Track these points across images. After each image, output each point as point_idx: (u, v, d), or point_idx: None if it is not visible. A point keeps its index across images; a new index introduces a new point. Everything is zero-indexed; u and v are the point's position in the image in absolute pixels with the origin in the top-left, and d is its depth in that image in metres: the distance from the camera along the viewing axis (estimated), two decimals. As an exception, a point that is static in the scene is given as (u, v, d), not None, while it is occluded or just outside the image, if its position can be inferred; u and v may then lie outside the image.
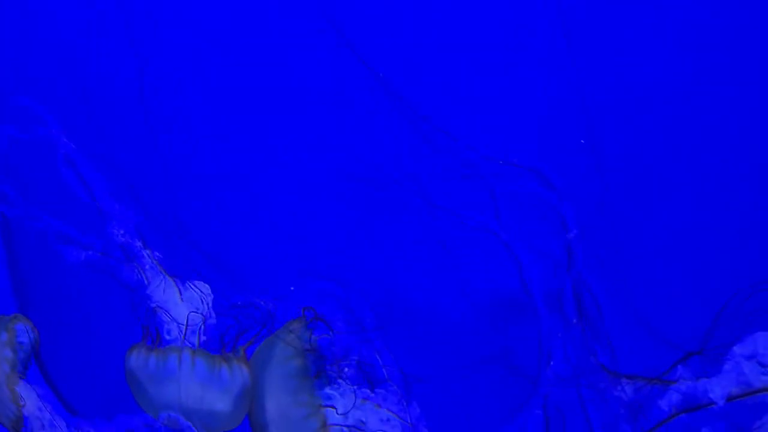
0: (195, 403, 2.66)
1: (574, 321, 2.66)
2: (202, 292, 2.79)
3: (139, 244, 2.85)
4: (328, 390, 2.64)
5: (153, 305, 2.78)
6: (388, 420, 2.63)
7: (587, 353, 2.62)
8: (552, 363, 2.67)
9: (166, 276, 2.79)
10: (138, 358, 2.72)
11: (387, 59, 2.84)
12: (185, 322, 2.71)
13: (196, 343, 2.71)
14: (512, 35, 2.77)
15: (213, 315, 2.78)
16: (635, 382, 2.53)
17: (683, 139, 2.70)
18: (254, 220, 3.13)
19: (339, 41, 2.85)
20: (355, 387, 2.67)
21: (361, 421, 2.63)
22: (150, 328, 2.75)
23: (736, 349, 2.32)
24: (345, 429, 2.59)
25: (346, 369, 2.71)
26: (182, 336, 2.71)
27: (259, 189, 3.10)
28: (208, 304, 2.77)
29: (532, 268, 2.71)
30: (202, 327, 2.73)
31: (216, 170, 3.11)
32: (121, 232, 2.86)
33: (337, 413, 2.60)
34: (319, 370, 2.66)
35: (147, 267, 2.83)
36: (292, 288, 2.78)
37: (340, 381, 2.68)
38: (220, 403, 2.66)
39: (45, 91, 3.17)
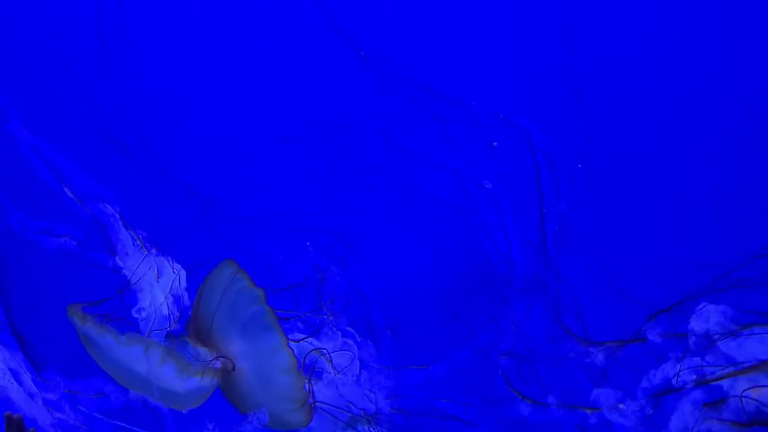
0: (161, 387, 2.67)
1: (551, 294, 2.74)
2: (177, 271, 2.77)
3: (118, 223, 2.80)
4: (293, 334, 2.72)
5: (128, 283, 2.75)
6: (341, 350, 2.77)
7: (557, 321, 2.71)
8: (514, 328, 2.76)
9: (146, 254, 2.76)
10: (87, 328, 2.69)
11: (369, 20, 2.81)
12: (159, 304, 2.70)
13: (168, 326, 2.70)
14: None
15: (186, 295, 2.77)
16: (606, 347, 2.63)
17: (668, 125, 2.77)
18: (234, 176, 3.10)
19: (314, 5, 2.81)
20: (319, 328, 2.77)
21: (322, 354, 2.75)
22: (119, 304, 2.74)
23: (693, 324, 2.44)
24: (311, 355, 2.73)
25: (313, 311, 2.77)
26: (153, 318, 2.70)
27: (240, 148, 3.07)
28: (182, 284, 2.76)
29: (511, 236, 2.77)
30: (175, 312, 2.72)
31: (196, 131, 3.06)
32: (108, 210, 2.81)
33: (300, 347, 2.73)
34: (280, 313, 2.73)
35: (125, 246, 2.79)
36: (308, 243, 2.80)
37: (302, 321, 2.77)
38: (187, 394, 2.67)
39: (9, 81, 3.05)
